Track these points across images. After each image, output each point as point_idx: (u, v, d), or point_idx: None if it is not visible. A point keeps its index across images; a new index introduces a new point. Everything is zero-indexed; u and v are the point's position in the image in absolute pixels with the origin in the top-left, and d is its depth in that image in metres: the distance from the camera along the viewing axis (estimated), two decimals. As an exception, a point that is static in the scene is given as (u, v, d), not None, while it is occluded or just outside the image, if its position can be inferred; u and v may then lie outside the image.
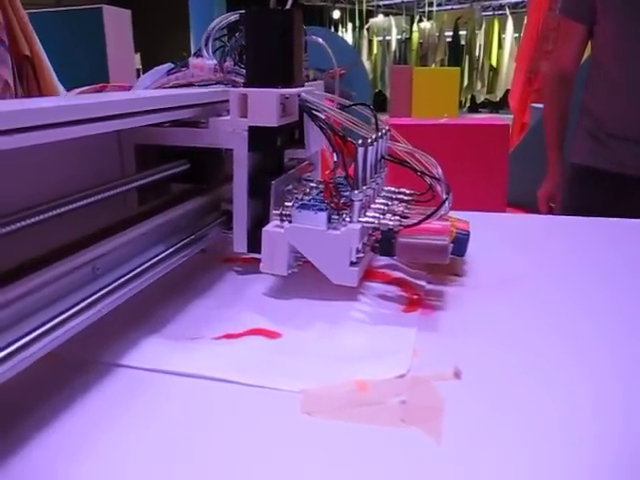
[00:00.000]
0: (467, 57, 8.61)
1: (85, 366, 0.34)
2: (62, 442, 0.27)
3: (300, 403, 0.30)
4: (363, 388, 0.31)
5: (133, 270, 0.36)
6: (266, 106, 0.42)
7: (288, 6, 0.53)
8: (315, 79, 0.66)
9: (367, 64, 8.59)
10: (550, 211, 1.26)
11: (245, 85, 0.44)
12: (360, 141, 0.40)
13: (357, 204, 0.40)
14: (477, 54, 8.59)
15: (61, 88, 2.02)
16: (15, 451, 0.26)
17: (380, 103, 7.63)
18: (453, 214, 0.48)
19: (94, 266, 0.34)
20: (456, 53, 8.79)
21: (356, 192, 0.40)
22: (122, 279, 0.35)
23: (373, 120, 0.49)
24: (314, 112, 0.48)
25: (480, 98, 8.66)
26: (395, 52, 9.54)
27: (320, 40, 0.62)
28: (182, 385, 0.32)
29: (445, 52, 8.89)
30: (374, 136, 0.43)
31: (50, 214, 0.34)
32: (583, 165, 1.15)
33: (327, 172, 0.43)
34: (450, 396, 0.30)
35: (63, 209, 0.35)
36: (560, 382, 0.32)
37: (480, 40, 8.56)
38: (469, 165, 2.07)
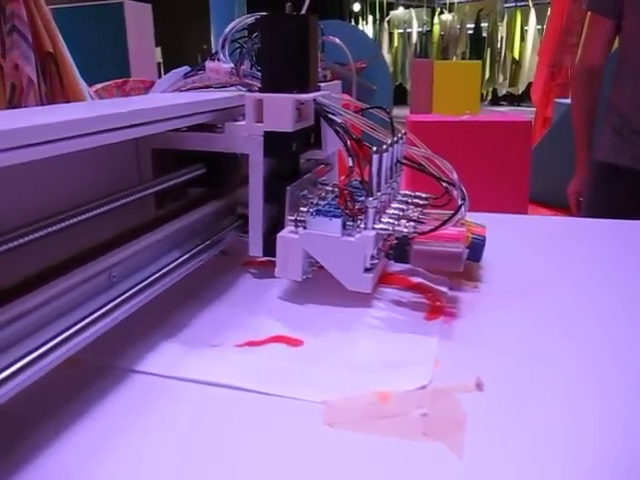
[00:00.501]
0: (489, 50, 8.51)
1: (103, 371, 0.34)
2: (77, 446, 0.28)
3: (322, 414, 0.30)
4: (385, 399, 0.31)
5: (149, 277, 0.37)
6: (281, 112, 0.43)
7: (303, 11, 0.53)
8: (333, 79, 0.66)
9: (388, 57, 8.54)
10: (580, 207, 1.25)
11: (261, 90, 0.44)
12: (375, 148, 0.40)
13: (371, 211, 0.40)
14: (499, 46, 8.48)
15: (83, 84, 2.05)
16: (31, 456, 0.27)
17: (400, 96, 7.59)
18: (472, 216, 0.48)
19: (110, 274, 0.34)
20: (478, 45, 8.69)
21: (370, 199, 0.40)
22: (138, 287, 0.36)
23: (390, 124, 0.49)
24: (330, 116, 0.48)
25: (502, 91, 8.55)
26: (416, 45, 9.46)
27: (337, 40, 0.62)
28: (202, 393, 0.32)
29: (466, 45, 8.79)
30: (389, 141, 0.43)
31: (69, 222, 0.34)
32: (605, 162, 1.13)
33: (342, 178, 0.42)
34: (472, 408, 0.30)
35: (82, 217, 0.35)
36: (583, 395, 0.32)
37: (502, 32, 8.44)
38: (491, 162, 2.05)
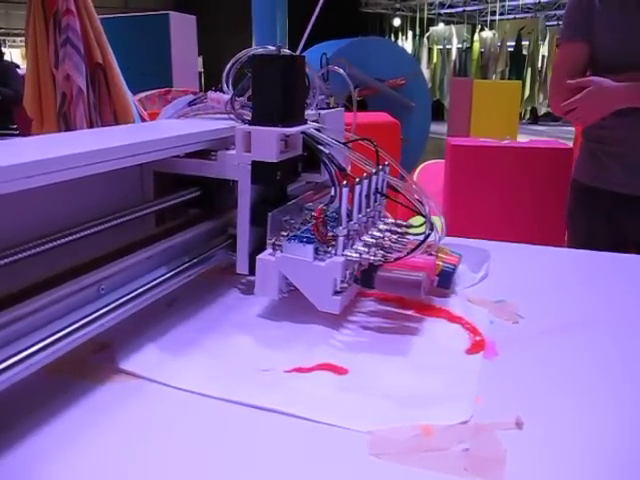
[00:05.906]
0: (529, 68, 8.43)
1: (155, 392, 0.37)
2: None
3: (369, 444, 0.31)
4: (428, 433, 0.32)
5: (135, 290, 0.41)
6: (267, 143, 0.47)
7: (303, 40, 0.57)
8: (338, 105, 0.70)
9: (426, 73, 8.55)
10: None
11: (251, 122, 0.48)
12: (345, 182, 0.43)
13: (341, 239, 0.43)
14: (540, 65, 8.40)
15: (129, 94, 2.15)
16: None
17: (437, 112, 7.59)
18: (507, 246, 0.48)
19: (99, 287, 0.39)
20: (518, 64, 8.63)
21: (340, 228, 0.43)
22: (124, 299, 0.40)
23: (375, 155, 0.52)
24: (318, 146, 0.52)
25: (541, 110, 8.46)
26: (455, 61, 9.44)
27: (341, 71, 0.66)
28: (249, 416, 0.34)
29: (506, 62, 8.74)
30: (365, 174, 0.47)
31: (75, 237, 0.39)
32: (584, 184, 1.12)
33: (319, 207, 0.46)
34: (511, 446, 0.31)
35: (87, 232, 0.40)
36: (624, 436, 0.33)
37: (543, 51, 8.37)
38: (530, 187, 2.06)
